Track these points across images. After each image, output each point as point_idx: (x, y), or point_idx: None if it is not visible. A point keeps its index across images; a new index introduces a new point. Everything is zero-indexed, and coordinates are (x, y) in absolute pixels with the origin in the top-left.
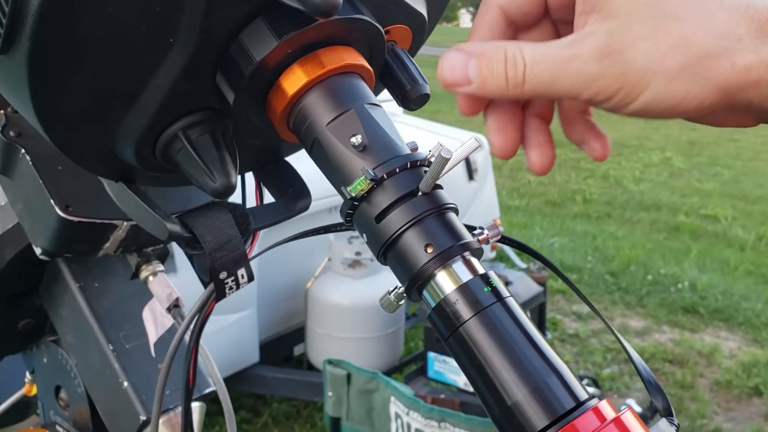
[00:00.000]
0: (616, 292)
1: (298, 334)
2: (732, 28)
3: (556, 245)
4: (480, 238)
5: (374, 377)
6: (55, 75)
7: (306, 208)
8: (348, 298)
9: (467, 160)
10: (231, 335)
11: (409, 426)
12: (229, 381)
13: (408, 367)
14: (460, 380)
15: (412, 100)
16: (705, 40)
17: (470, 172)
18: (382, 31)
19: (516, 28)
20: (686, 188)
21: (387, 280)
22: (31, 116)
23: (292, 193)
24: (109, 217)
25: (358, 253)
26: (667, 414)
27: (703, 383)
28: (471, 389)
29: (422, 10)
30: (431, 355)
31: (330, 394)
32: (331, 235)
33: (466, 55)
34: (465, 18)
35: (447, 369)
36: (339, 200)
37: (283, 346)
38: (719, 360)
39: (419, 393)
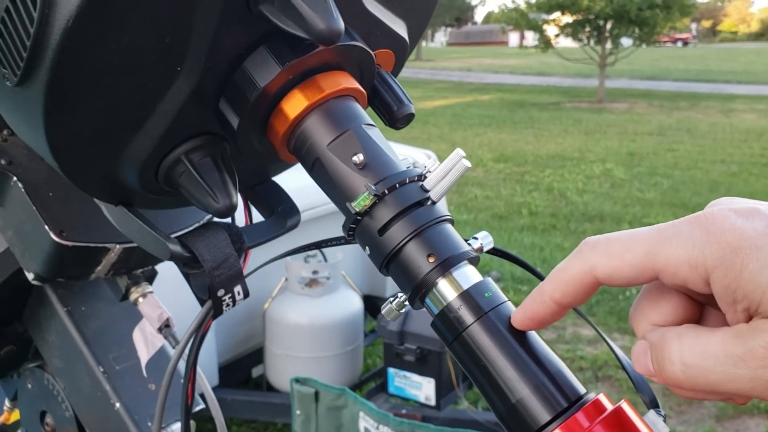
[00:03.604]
0: None
1: (256, 355)
2: None
3: None
4: (475, 246)
5: (342, 393)
6: (69, 105)
7: (296, 225)
8: (306, 317)
9: None
10: None
11: None
12: None
13: (368, 384)
14: (421, 395)
15: (398, 119)
16: None
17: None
18: (374, 56)
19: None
20: (628, 198)
21: (345, 298)
22: (42, 145)
23: (282, 211)
24: (103, 241)
25: (315, 272)
26: (654, 406)
27: (655, 387)
28: (431, 403)
29: (404, 34)
30: (391, 370)
31: (298, 412)
32: None
33: (646, 345)
34: None
35: (407, 384)
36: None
37: (242, 369)
38: None
39: (381, 409)
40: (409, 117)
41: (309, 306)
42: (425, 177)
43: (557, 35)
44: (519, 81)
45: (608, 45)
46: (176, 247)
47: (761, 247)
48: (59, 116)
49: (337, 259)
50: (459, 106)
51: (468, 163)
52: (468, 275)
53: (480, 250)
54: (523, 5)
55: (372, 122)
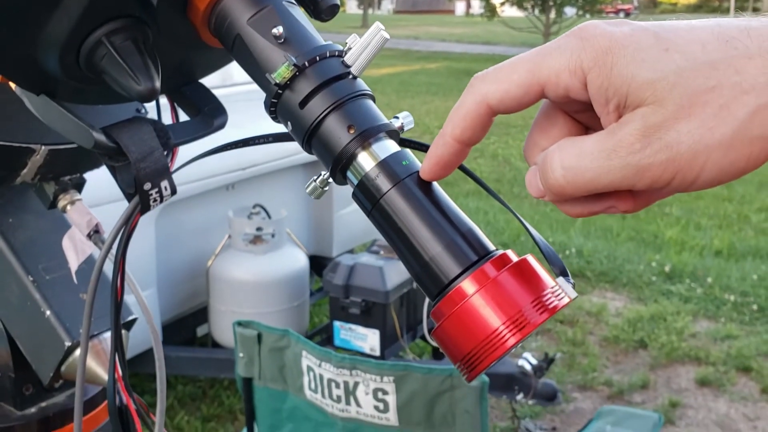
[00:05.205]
0: None
1: (201, 315)
2: (765, 77)
3: None
4: (396, 125)
5: (285, 334)
6: None
7: (223, 125)
8: (251, 273)
9: None
10: None
11: (321, 377)
12: (131, 363)
13: (314, 339)
14: (366, 346)
15: (323, 10)
16: (747, 100)
17: None
18: None
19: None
20: None
21: (290, 255)
22: None
23: (209, 111)
24: (27, 141)
25: (259, 229)
26: (564, 274)
27: (592, 340)
28: (376, 354)
29: None
30: (337, 323)
31: (241, 355)
32: (230, 212)
33: (535, 168)
34: (351, 5)
35: (352, 336)
36: (237, 176)
37: (186, 328)
38: (606, 318)
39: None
40: (334, 8)
41: (253, 263)
42: (346, 53)
43: (503, 3)
44: (465, 50)
45: (552, 14)
46: (100, 136)
47: (627, 46)
48: None
49: (282, 216)
50: (406, 74)
51: (387, 35)
52: (387, 146)
53: (401, 128)
54: None
55: (294, 2)
